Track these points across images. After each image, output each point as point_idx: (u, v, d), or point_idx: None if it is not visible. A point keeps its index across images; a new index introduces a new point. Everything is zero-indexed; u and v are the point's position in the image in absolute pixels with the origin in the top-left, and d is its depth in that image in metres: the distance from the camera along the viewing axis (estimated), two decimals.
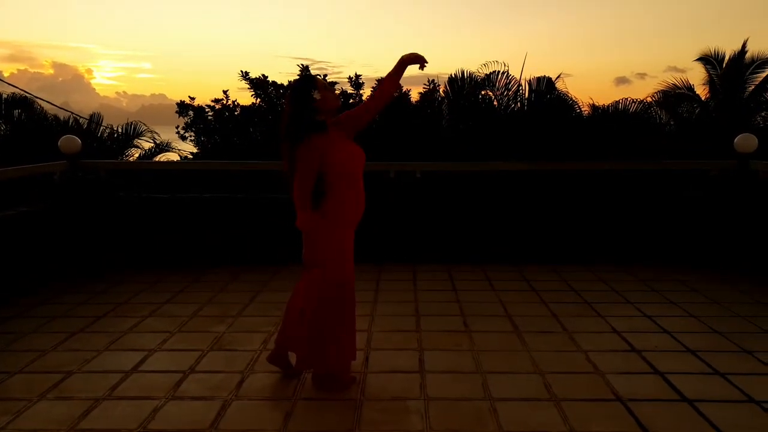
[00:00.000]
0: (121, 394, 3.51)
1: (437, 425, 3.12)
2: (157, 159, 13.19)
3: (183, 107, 14.44)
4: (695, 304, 5.13)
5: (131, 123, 13.08)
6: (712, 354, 4.04)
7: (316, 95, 3.29)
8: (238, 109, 14.42)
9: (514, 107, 12.57)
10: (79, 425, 3.14)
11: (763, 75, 13.34)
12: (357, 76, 14.38)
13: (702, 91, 13.77)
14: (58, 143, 6.35)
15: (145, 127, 13.14)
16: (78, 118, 12.68)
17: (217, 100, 14.42)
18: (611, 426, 3.11)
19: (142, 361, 3.98)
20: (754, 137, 6.21)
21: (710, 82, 13.71)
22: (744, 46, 13.36)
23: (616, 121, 12.43)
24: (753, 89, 13.39)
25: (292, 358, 3.68)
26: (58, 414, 3.26)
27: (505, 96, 12.60)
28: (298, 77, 3.43)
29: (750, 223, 6.20)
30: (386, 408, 3.32)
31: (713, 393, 3.47)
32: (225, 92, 14.40)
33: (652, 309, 5.02)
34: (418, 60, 3.48)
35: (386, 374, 3.77)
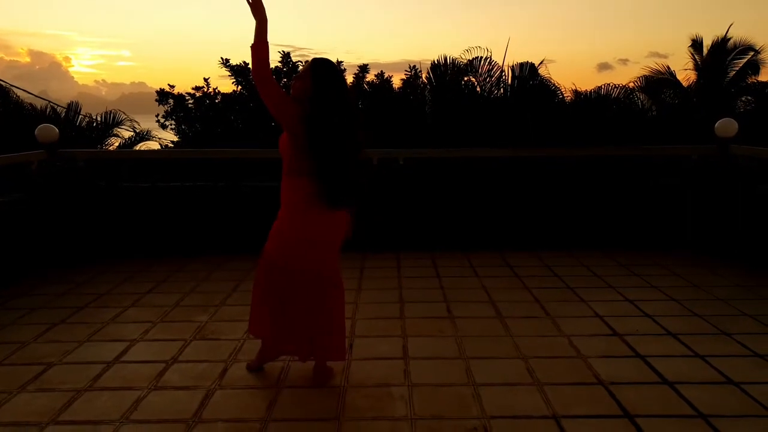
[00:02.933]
0: (103, 385, 3.48)
1: (421, 411, 3.13)
2: (137, 148, 13.07)
3: (163, 95, 14.32)
4: (676, 288, 5.18)
5: (110, 112, 12.94)
6: (692, 337, 4.08)
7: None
8: (219, 97, 14.33)
9: (497, 93, 12.60)
10: (60, 417, 3.11)
11: (744, 60, 13.46)
12: (339, 63, 14.31)
13: (683, 77, 13.86)
14: (35, 132, 6.25)
15: (125, 116, 13.01)
16: (56, 106, 12.53)
17: (197, 88, 14.31)
18: (593, 409, 3.14)
19: (124, 352, 3.95)
20: (735, 122, 6.26)
21: (696, 68, 13.80)
22: (727, 31, 13.46)
23: (598, 106, 12.49)
24: (734, 74, 13.50)
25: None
26: (39, 406, 3.23)
27: (488, 82, 12.62)
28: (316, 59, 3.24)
29: (730, 208, 6.26)
30: (370, 394, 3.33)
31: (693, 375, 3.52)
32: (206, 80, 14.31)
33: (633, 293, 5.06)
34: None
35: (370, 361, 3.77)
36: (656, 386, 3.39)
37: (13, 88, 12.41)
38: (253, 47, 3.05)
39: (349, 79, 14.37)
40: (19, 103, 12.26)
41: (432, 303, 4.90)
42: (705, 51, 13.72)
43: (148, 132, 13.58)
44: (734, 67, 13.47)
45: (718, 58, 13.46)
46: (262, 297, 3.40)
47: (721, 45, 13.45)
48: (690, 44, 13.80)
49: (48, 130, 6.28)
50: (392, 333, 4.23)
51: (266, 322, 3.42)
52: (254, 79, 3.10)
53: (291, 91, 3.22)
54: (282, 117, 3.07)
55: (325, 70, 3.17)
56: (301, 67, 14.02)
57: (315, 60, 3.21)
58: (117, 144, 13.15)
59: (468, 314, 4.61)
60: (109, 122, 12.83)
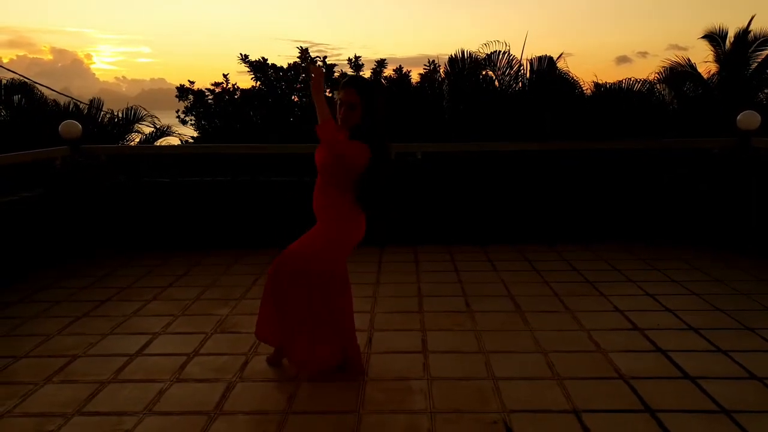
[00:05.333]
0: (126, 377, 3.53)
1: (440, 404, 3.14)
2: (157, 143, 13.16)
3: (183, 91, 14.40)
4: (697, 282, 5.14)
5: (131, 108, 13.02)
6: (713, 331, 4.05)
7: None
8: (238, 93, 14.37)
9: (515, 87, 12.51)
10: (85, 408, 3.16)
11: (767, 52, 13.24)
12: (356, 58, 14.30)
13: (704, 70, 13.67)
14: (59, 128, 6.34)
15: (146, 112, 13.08)
16: (78, 103, 12.64)
17: (217, 84, 14.37)
18: (614, 403, 3.13)
19: (147, 345, 4.00)
20: (757, 114, 6.17)
21: (717, 60, 13.60)
22: (749, 23, 13.25)
23: (618, 100, 12.36)
24: (756, 66, 13.29)
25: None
26: (64, 397, 3.28)
27: (507, 76, 12.54)
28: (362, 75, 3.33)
29: (751, 201, 6.19)
30: (389, 388, 3.35)
31: (715, 370, 3.49)
32: (225, 76, 14.35)
33: (654, 287, 5.03)
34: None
35: (389, 355, 3.79)
36: (678, 381, 3.37)
37: (37, 85, 12.55)
38: (320, 129, 3.11)
39: (367, 74, 14.36)
40: (42, 100, 12.39)
41: (451, 297, 4.90)
42: (727, 43, 13.52)
43: (169, 128, 13.65)
44: (756, 59, 13.24)
45: (739, 50, 13.24)
46: (277, 302, 3.43)
47: (743, 37, 13.24)
48: (710, 36, 13.60)
49: (71, 127, 6.36)
50: (411, 327, 4.25)
51: (276, 326, 3.48)
52: (331, 151, 3.20)
53: (338, 114, 3.24)
54: (344, 164, 3.19)
55: (373, 95, 3.26)
56: (318, 63, 14.04)
57: (362, 83, 3.29)
58: (138, 140, 13.24)
59: (487, 308, 4.61)
60: (130, 118, 12.92)
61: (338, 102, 3.24)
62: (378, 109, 3.26)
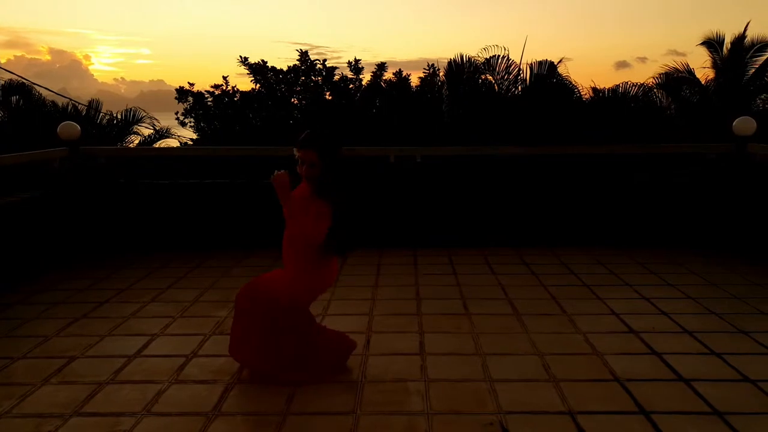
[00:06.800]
0: (124, 378, 3.55)
1: (438, 406, 3.16)
2: (156, 145, 13.18)
3: (182, 93, 14.45)
4: (692, 286, 5.17)
5: (130, 109, 13.06)
6: (708, 334, 4.08)
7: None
8: (237, 95, 14.43)
9: (514, 91, 12.55)
10: (83, 408, 3.18)
11: (764, 58, 13.29)
12: (356, 61, 14.36)
13: (702, 75, 13.74)
14: (58, 130, 6.35)
15: (145, 114, 13.13)
16: (77, 104, 12.68)
17: (216, 86, 14.42)
18: (609, 405, 3.15)
19: (145, 346, 4.02)
20: (753, 120, 6.22)
21: (714, 66, 13.66)
22: (746, 29, 13.32)
23: (616, 105, 12.41)
24: (753, 72, 13.35)
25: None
26: (62, 398, 3.30)
27: (506, 80, 12.58)
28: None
29: (746, 206, 6.22)
30: (387, 389, 3.37)
31: (709, 372, 3.52)
32: (224, 78, 14.41)
33: (650, 291, 5.06)
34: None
35: (387, 356, 3.81)
36: (672, 383, 3.40)
37: (35, 86, 12.58)
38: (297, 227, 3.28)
39: (367, 77, 14.42)
40: (40, 101, 12.42)
41: (449, 300, 4.92)
42: (724, 49, 13.58)
43: (168, 129, 13.69)
44: (753, 65, 13.31)
45: (736, 56, 13.30)
46: (246, 324, 3.52)
47: (739, 43, 13.31)
48: (708, 42, 13.66)
49: (70, 128, 6.38)
50: (409, 329, 4.27)
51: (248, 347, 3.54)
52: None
53: (298, 168, 3.32)
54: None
55: (331, 152, 3.30)
56: (318, 65, 14.06)
57: (318, 143, 3.28)
58: (137, 141, 13.28)
59: (485, 311, 4.63)
60: (129, 120, 12.96)
61: (297, 159, 3.29)
62: (338, 162, 3.31)
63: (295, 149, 3.29)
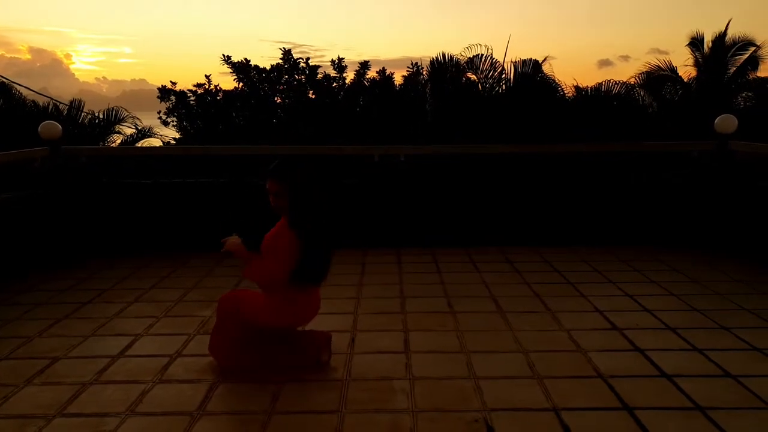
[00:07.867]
0: (108, 378, 3.53)
1: (422, 404, 3.17)
2: (139, 145, 13.08)
3: (165, 92, 14.34)
4: (675, 283, 5.22)
5: (112, 108, 12.93)
6: (690, 331, 4.12)
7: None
8: (220, 94, 14.34)
9: (498, 90, 12.60)
10: (67, 409, 3.16)
11: (745, 56, 13.44)
12: (340, 60, 14.32)
13: (684, 73, 13.87)
14: (39, 129, 6.28)
15: (127, 113, 13.00)
16: (58, 103, 12.54)
17: (199, 85, 14.33)
18: (593, 401, 3.18)
19: (129, 346, 3.99)
20: (734, 118, 6.28)
21: (696, 64, 13.79)
22: (726, 27, 13.45)
23: (599, 103, 12.49)
24: (734, 71, 13.49)
25: None
26: (45, 399, 3.27)
27: (489, 79, 12.63)
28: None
29: (728, 203, 6.29)
30: (372, 387, 3.37)
31: (691, 368, 3.55)
32: (207, 77, 14.31)
33: (633, 288, 5.10)
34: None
35: (372, 355, 3.81)
36: (655, 379, 3.43)
37: (15, 85, 12.42)
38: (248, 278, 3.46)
39: (350, 75, 14.39)
40: (21, 100, 12.27)
41: (433, 298, 4.93)
42: (705, 48, 13.71)
43: (150, 129, 13.57)
44: (734, 63, 13.46)
45: (717, 54, 13.44)
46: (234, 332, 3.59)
47: (720, 41, 13.44)
48: (690, 41, 13.79)
49: (51, 127, 6.31)
50: (394, 327, 4.27)
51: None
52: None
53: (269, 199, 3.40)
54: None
55: (295, 182, 3.36)
56: (301, 64, 14.02)
57: (280, 173, 3.38)
58: (119, 141, 13.16)
59: (469, 309, 4.64)
60: (111, 119, 12.83)
61: (267, 190, 3.38)
62: (305, 191, 3.35)
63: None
